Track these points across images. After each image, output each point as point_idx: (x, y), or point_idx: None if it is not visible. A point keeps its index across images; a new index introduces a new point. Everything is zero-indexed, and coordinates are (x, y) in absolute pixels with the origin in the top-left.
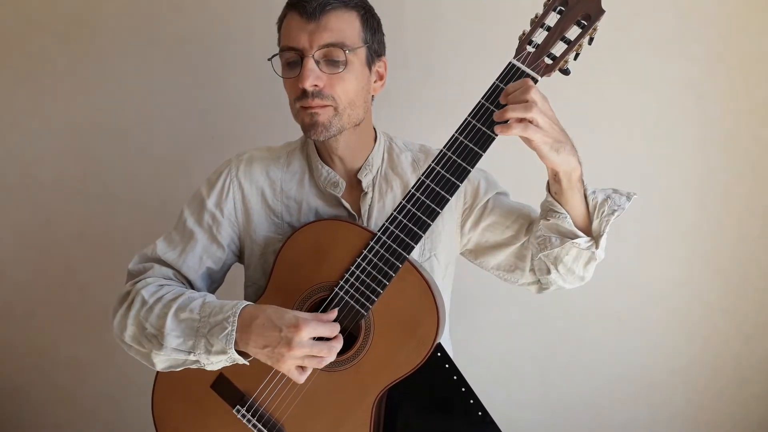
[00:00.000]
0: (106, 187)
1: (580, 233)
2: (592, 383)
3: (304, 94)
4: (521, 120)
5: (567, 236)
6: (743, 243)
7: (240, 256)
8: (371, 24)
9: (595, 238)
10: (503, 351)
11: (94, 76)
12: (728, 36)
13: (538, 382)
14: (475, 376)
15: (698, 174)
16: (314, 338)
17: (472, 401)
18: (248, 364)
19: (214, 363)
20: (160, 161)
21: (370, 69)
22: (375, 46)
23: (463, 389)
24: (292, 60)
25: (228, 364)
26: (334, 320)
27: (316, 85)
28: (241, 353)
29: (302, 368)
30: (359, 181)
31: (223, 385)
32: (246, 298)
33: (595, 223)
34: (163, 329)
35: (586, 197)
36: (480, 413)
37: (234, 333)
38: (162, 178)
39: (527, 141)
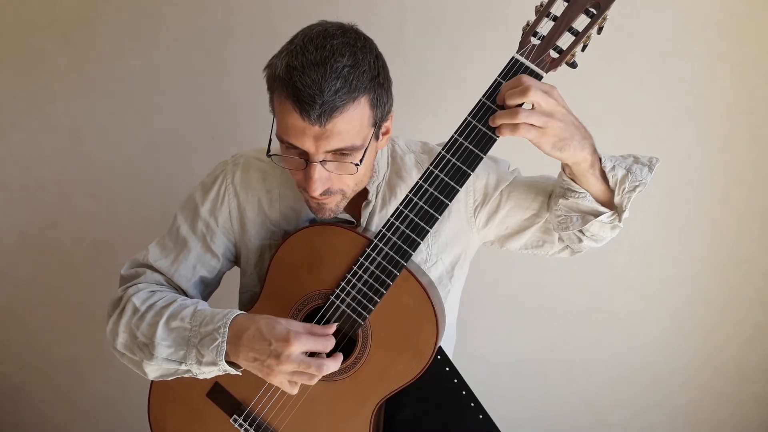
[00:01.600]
0: (106, 187)
1: (603, 209)
2: (592, 383)
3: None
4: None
5: (589, 214)
6: (743, 243)
7: (236, 262)
8: (381, 97)
9: (618, 212)
10: (503, 351)
11: (94, 76)
12: (728, 36)
13: (538, 382)
14: (475, 377)
15: (698, 174)
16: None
17: (472, 404)
18: (240, 374)
19: (206, 373)
20: (160, 161)
21: (378, 138)
22: (385, 115)
23: (464, 392)
24: (292, 154)
25: (221, 374)
26: (335, 333)
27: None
28: (232, 364)
29: (294, 382)
30: (365, 190)
31: (220, 393)
32: (241, 304)
33: (617, 199)
34: (153, 338)
35: (604, 173)
36: (481, 416)
37: (224, 345)
38: (162, 178)
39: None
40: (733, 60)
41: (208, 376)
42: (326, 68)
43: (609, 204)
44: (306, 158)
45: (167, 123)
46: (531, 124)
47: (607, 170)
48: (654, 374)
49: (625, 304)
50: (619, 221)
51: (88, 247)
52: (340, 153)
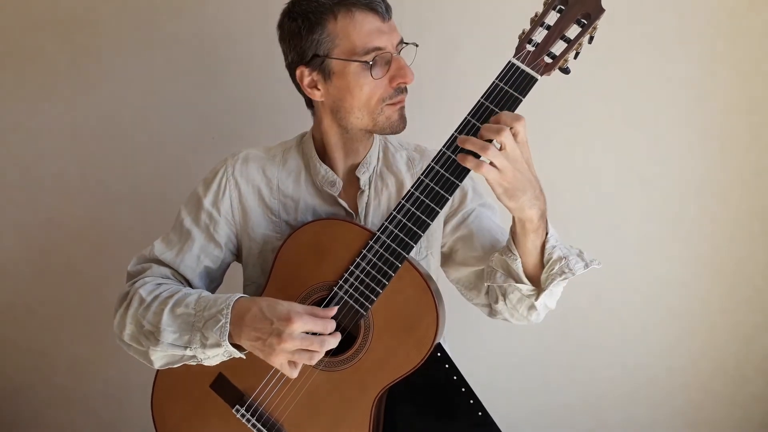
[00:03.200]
0: (106, 187)
1: (525, 280)
2: (591, 383)
3: (398, 91)
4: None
5: (512, 277)
6: (743, 243)
7: (238, 255)
8: None
9: (538, 290)
10: (503, 351)
11: (94, 76)
12: (728, 36)
13: (538, 382)
14: (474, 376)
15: (698, 174)
16: (308, 333)
17: (472, 401)
18: (244, 357)
19: (211, 357)
20: (160, 161)
21: None
22: None
23: (463, 389)
24: (377, 60)
25: (225, 358)
26: (334, 317)
27: None
28: (236, 347)
29: (294, 363)
30: (356, 179)
31: (222, 384)
32: None
33: (543, 277)
34: (159, 325)
35: (544, 246)
36: (480, 413)
37: (228, 325)
38: (162, 178)
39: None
40: (733, 60)
41: (213, 362)
42: None
43: (534, 281)
44: (387, 57)
45: (167, 123)
46: (492, 167)
47: (547, 245)
48: (654, 374)
49: (625, 304)
50: (536, 300)
51: (87, 246)
52: (401, 44)
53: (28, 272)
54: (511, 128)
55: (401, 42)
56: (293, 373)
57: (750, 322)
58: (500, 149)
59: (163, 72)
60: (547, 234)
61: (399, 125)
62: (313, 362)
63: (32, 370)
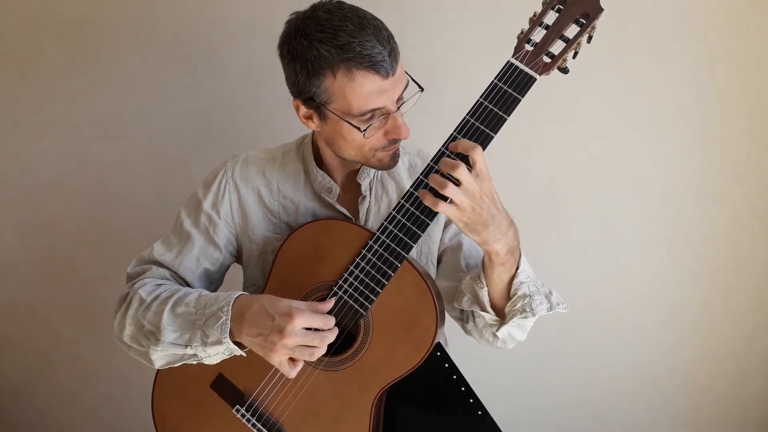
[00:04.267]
0: (106, 187)
1: (490, 310)
2: (592, 383)
3: (392, 142)
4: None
5: (478, 304)
6: (743, 243)
7: (238, 257)
8: None
9: (501, 321)
10: (503, 351)
11: (94, 76)
12: (728, 36)
13: (538, 382)
14: (474, 375)
15: (698, 174)
16: (308, 329)
17: (471, 400)
18: (245, 355)
19: (212, 355)
20: (160, 161)
21: None
22: None
23: (463, 388)
24: (373, 117)
25: (226, 356)
26: (331, 312)
27: None
28: (237, 345)
29: (293, 362)
30: (357, 185)
31: (223, 384)
32: None
33: (506, 310)
34: (159, 325)
35: (512, 280)
36: (480, 412)
37: (228, 322)
38: (162, 178)
39: None
40: (733, 60)
41: (214, 360)
42: (368, 26)
43: (499, 312)
44: (385, 114)
45: (167, 123)
46: (451, 202)
47: (515, 280)
48: (653, 374)
49: (625, 304)
50: (497, 330)
51: (87, 246)
52: (402, 94)
53: (28, 272)
54: (467, 157)
55: (405, 89)
56: (292, 373)
57: (750, 322)
58: (457, 185)
59: (163, 72)
60: (517, 269)
61: (389, 164)
62: (314, 358)
63: (32, 369)
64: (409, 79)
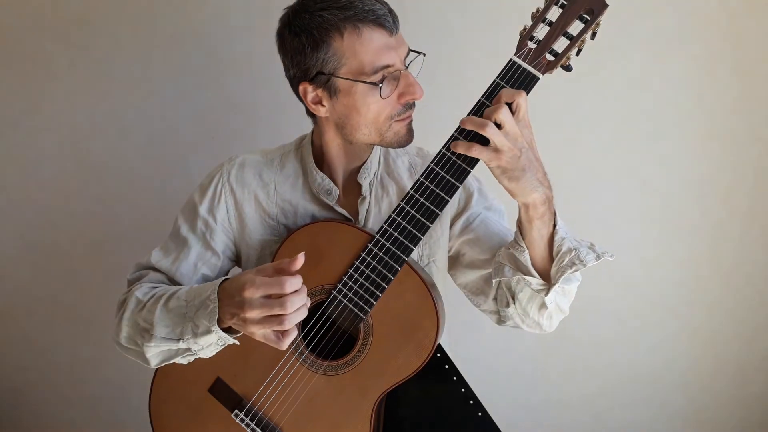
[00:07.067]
0: (106, 187)
1: (534, 273)
2: (592, 383)
3: (407, 107)
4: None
5: (521, 271)
6: (744, 243)
7: (237, 262)
8: None
9: (549, 285)
10: (503, 351)
11: (94, 76)
12: (728, 36)
13: (538, 382)
14: (474, 377)
15: (698, 174)
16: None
17: (472, 402)
18: (238, 343)
19: (204, 347)
20: (160, 161)
21: None
22: None
23: (463, 390)
24: (386, 78)
25: (220, 347)
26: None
27: None
28: (227, 331)
29: (281, 333)
30: (357, 185)
31: (221, 389)
32: None
33: (553, 270)
34: (152, 321)
35: (553, 238)
36: (480, 414)
37: (216, 309)
38: (162, 178)
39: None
40: (733, 60)
41: (209, 353)
42: None
43: (544, 275)
44: (396, 74)
45: (167, 123)
46: (485, 148)
47: (556, 236)
48: (654, 374)
49: (626, 305)
50: (546, 295)
51: (87, 247)
52: (406, 57)
53: (28, 272)
54: (511, 103)
55: (409, 53)
56: (281, 345)
57: (750, 322)
58: (499, 128)
59: (163, 72)
60: (555, 226)
61: (406, 139)
62: (286, 327)
63: (32, 369)
64: (409, 50)
